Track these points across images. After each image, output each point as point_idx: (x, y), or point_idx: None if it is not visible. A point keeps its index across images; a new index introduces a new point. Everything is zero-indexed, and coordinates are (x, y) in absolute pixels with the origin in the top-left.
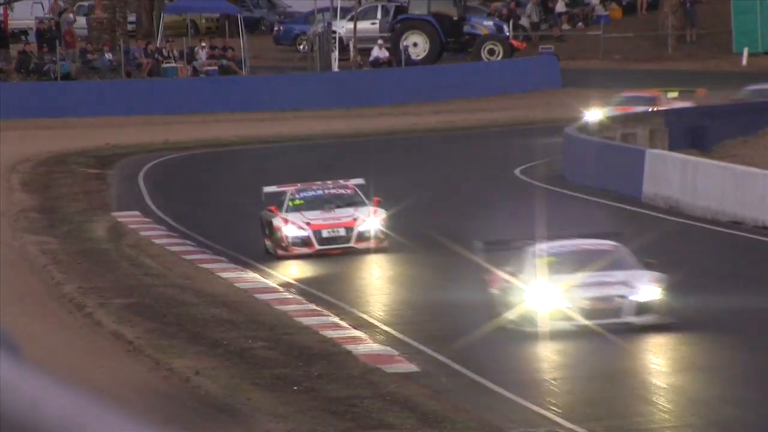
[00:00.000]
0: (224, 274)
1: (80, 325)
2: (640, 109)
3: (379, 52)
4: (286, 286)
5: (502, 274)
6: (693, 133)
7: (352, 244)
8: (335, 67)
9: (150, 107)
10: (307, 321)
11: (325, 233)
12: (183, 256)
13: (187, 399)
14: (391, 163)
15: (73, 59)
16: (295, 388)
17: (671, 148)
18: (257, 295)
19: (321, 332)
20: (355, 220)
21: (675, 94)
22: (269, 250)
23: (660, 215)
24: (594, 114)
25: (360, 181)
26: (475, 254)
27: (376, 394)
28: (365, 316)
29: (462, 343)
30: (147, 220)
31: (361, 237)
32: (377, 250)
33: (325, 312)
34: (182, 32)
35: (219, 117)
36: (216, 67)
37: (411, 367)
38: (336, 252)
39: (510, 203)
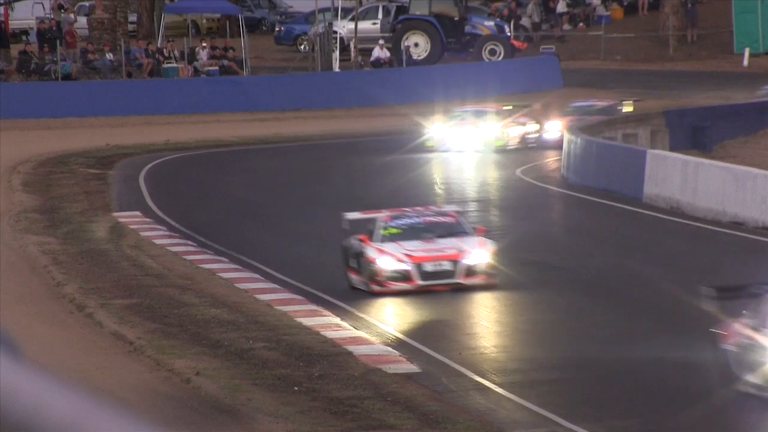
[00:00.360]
0: (225, 275)
1: (81, 326)
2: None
3: (380, 53)
4: (288, 286)
5: (741, 328)
6: (694, 134)
7: (458, 279)
8: (336, 67)
9: (151, 107)
10: (307, 321)
11: (428, 267)
12: (184, 256)
13: (188, 399)
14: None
15: (74, 59)
16: (296, 388)
17: (672, 149)
18: (258, 296)
19: (322, 333)
20: (461, 252)
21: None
22: (356, 285)
23: (661, 215)
24: (437, 128)
25: (456, 208)
26: (706, 304)
27: (376, 395)
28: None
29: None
30: (148, 220)
31: (470, 271)
32: (487, 287)
33: (326, 312)
34: (183, 32)
35: (220, 117)
36: (217, 68)
37: (412, 368)
38: (441, 288)
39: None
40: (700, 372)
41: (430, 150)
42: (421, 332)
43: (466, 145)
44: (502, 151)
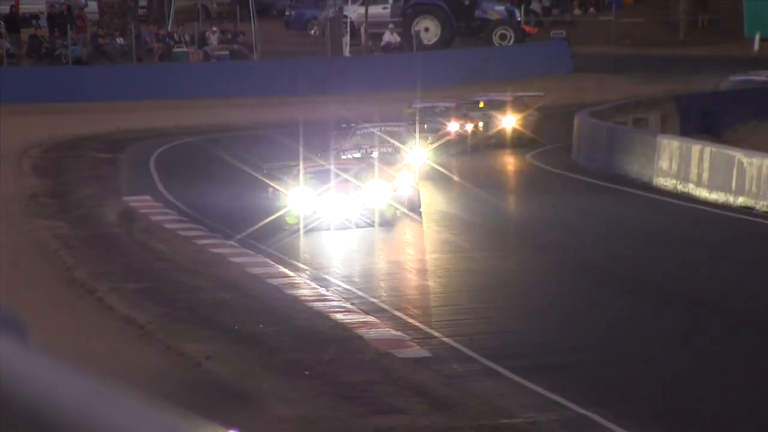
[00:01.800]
0: (236, 259)
1: (91, 310)
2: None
3: (390, 37)
4: (298, 270)
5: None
6: (704, 118)
7: None
8: (346, 52)
9: (161, 92)
10: (318, 305)
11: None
12: (194, 240)
13: (199, 384)
14: None
15: (84, 44)
16: (307, 372)
17: (683, 134)
18: (269, 280)
19: (332, 317)
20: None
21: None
22: None
23: (671, 200)
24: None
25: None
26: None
27: (387, 379)
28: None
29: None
30: (158, 204)
31: None
32: None
33: (336, 296)
34: (193, 17)
35: (230, 102)
36: (227, 52)
37: (423, 352)
38: None
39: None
40: (712, 354)
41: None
42: (431, 317)
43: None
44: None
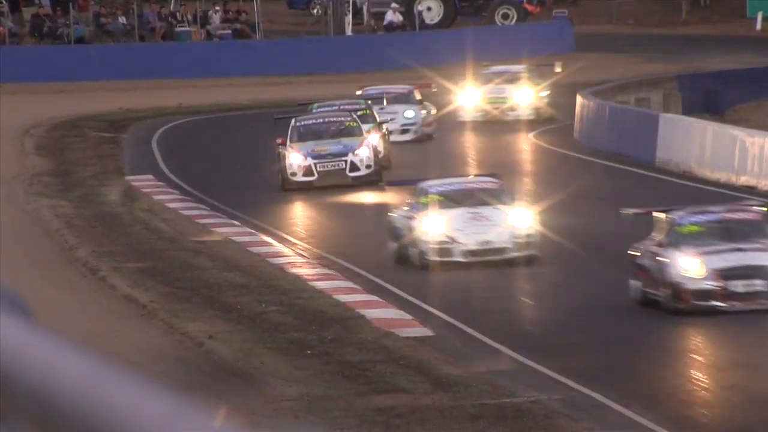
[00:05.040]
0: (237, 239)
1: (94, 289)
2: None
3: (393, 17)
4: (301, 250)
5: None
6: (706, 98)
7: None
8: (349, 31)
9: (163, 71)
10: (320, 285)
11: None
12: (196, 220)
13: (201, 363)
14: None
15: (87, 23)
16: (309, 352)
17: (685, 113)
18: (270, 260)
19: (334, 296)
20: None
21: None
22: None
23: (673, 179)
24: None
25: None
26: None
27: (389, 358)
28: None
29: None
30: (160, 184)
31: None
32: None
33: (339, 276)
34: None
35: (232, 81)
36: (230, 31)
37: (425, 331)
38: None
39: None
40: (716, 335)
41: None
42: (434, 296)
43: None
44: None
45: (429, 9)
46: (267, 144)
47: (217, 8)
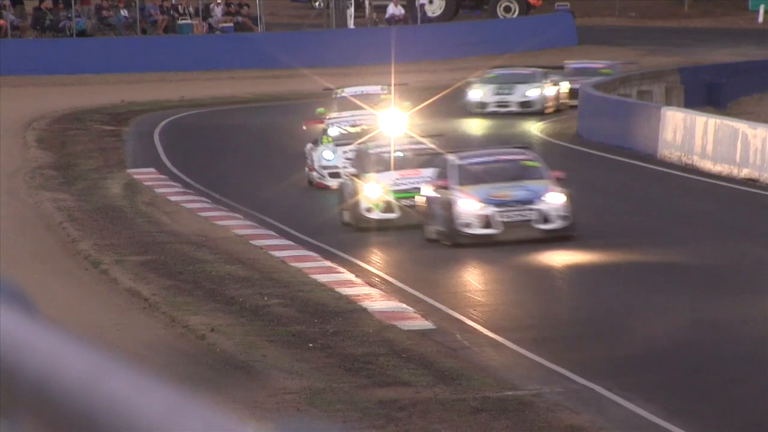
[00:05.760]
0: (239, 231)
1: (96, 282)
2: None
3: (394, 10)
4: (303, 243)
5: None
6: (709, 90)
7: None
8: (351, 24)
9: (165, 64)
10: (322, 278)
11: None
12: (198, 213)
13: (203, 356)
14: None
15: (89, 16)
16: (311, 345)
17: (687, 106)
18: (272, 252)
19: (336, 289)
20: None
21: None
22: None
23: (675, 172)
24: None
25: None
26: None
27: (391, 351)
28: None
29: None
30: (162, 176)
31: None
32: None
33: (341, 269)
34: None
35: (234, 74)
36: (231, 24)
37: (427, 324)
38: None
39: None
40: (716, 329)
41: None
42: (436, 289)
43: None
44: None
45: (431, 2)
46: (268, 138)
47: (219, 1)
